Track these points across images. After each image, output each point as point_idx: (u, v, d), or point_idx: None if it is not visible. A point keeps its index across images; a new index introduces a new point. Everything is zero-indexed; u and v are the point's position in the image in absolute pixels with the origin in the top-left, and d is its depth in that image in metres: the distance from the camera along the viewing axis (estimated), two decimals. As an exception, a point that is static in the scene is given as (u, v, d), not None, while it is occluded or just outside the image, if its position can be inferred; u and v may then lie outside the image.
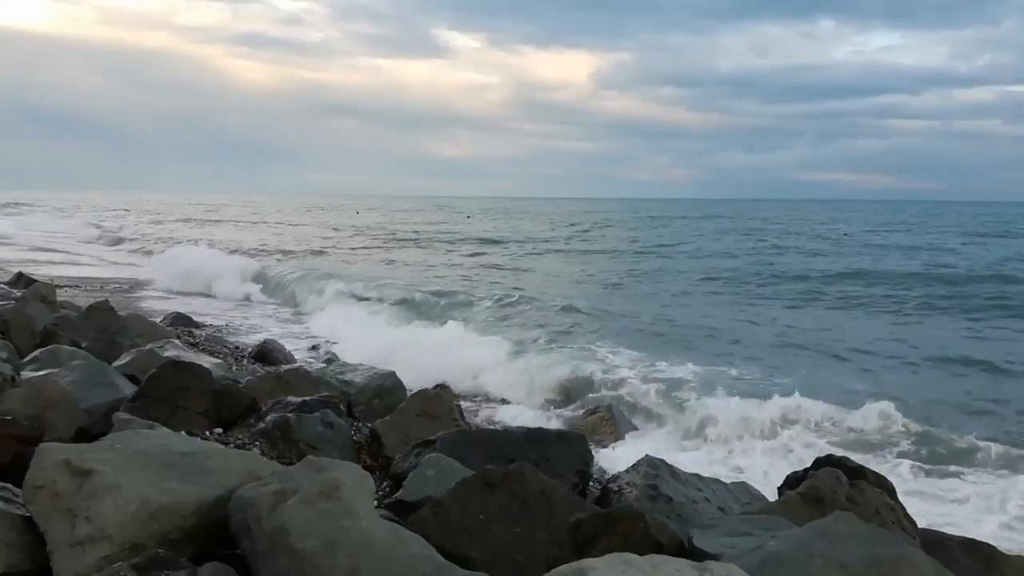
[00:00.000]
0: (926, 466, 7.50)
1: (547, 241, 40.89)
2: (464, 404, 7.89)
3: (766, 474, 6.93)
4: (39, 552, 2.88)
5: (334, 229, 48.87)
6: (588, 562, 2.40)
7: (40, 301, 9.09)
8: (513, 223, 59.96)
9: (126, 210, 67.07)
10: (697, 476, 5.03)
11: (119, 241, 34.98)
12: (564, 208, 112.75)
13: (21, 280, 13.43)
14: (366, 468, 5.20)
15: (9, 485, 3.22)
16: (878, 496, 4.16)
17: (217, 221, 54.62)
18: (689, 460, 6.82)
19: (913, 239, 42.44)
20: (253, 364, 9.84)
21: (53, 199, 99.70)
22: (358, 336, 12.67)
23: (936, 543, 3.95)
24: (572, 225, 59.12)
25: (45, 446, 3.08)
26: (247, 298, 18.47)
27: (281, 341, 11.66)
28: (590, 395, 9.85)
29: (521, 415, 9.08)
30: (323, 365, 8.93)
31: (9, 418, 3.87)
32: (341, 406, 6.24)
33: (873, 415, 8.54)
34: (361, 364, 8.23)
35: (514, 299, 17.59)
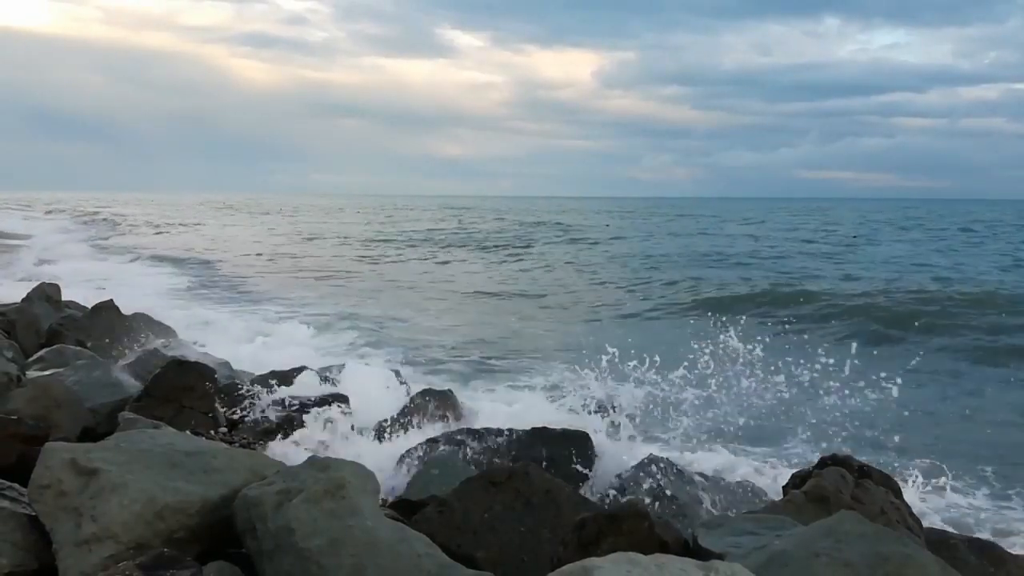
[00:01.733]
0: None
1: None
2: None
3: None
4: (45, 551, 2.88)
5: (345, 233, 43.88)
6: (593, 561, 2.39)
7: (45, 301, 9.11)
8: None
9: (88, 212, 62.19)
10: (702, 475, 5.03)
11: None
12: (568, 207, 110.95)
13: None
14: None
15: (15, 484, 3.23)
16: (883, 495, 4.15)
17: (198, 224, 50.20)
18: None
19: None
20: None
21: (53, 199, 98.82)
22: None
23: (942, 543, 3.94)
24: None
25: (51, 445, 3.09)
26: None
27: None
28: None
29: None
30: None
31: (15, 418, 3.88)
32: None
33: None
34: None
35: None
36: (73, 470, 2.93)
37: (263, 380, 6.81)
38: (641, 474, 4.80)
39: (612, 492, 4.86)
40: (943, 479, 6.99)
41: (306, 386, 6.62)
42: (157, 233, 41.46)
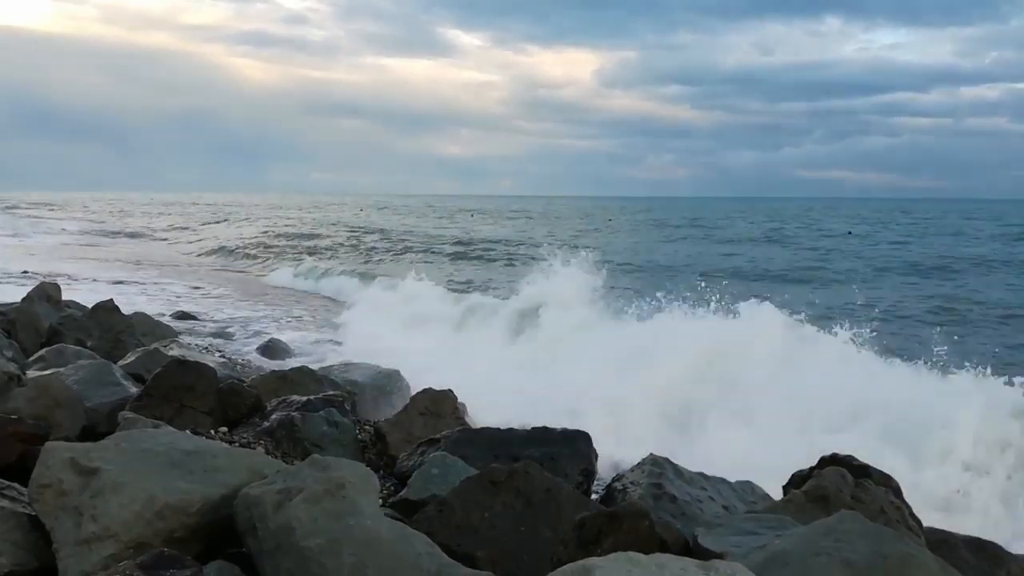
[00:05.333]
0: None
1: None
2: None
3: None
4: (45, 551, 2.89)
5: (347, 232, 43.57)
6: (593, 561, 2.39)
7: (46, 300, 9.11)
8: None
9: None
10: (702, 475, 5.03)
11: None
12: (572, 207, 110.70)
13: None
14: (370, 467, 5.21)
15: (15, 484, 3.23)
16: (883, 495, 4.15)
17: (182, 228, 48.97)
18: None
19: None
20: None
21: (52, 199, 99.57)
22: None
23: (942, 542, 3.95)
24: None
25: (51, 445, 3.09)
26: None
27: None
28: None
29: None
30: (328, 364, 8.94)
31: (15, 417, 3.88)
32: (345, 405, 6.25)
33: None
34: (365, 363, 8.23)
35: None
36: (73, 469, 2.93)
37: (263, 380, 6.82)
38: (641, 473, 4.80)
39: (612, 491, 4.86)
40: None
41: (306, 386, 6.62)
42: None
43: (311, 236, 39.29)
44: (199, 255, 31.64)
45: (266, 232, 40.72)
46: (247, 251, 31.70)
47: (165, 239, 39.42)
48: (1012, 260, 29.20)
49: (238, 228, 44.85)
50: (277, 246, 33.59)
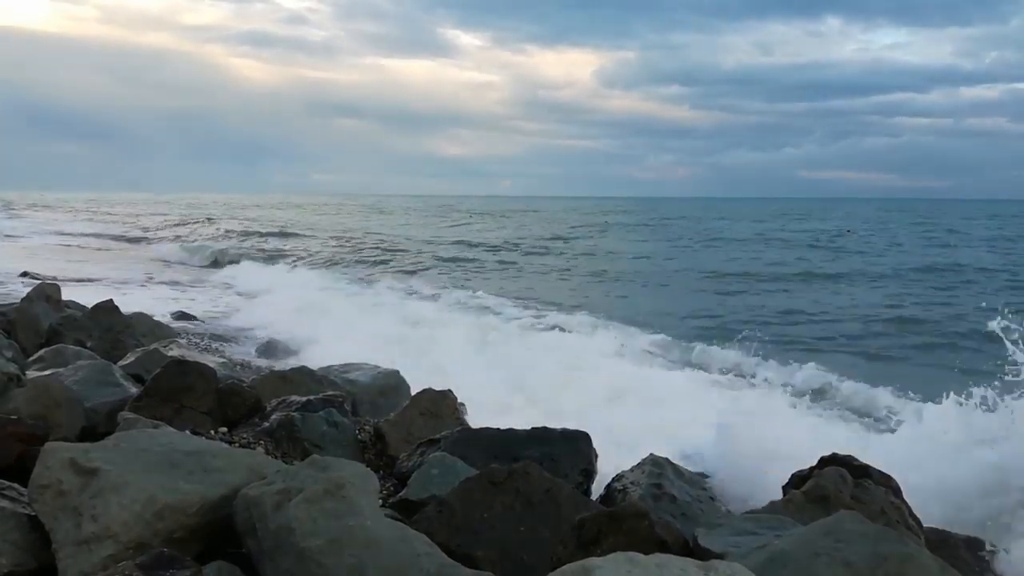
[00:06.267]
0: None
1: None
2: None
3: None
4: (44, 551, 2.88)
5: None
6: (592, 561, 2.39)
7: (45, 300, 9.10)
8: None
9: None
10: (702, 475, 5.03)
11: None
12: (570, 207, 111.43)
13: (27, 278, 13.46)
14: (370, 467, 5.20)
15: (15, 484, 3.23)
16: (883, 495, 4.15)
17: (175, 225, 49.87)
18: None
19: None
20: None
21: (51, 200, 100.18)
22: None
23: (941, 542, 3.96)
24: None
25: (50, 445, 3.09)
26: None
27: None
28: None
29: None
30: (328, 364, 8.93)
31: (14, 417, 3.88)
32: (345, 405, 6.24)
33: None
34: (365, 363, 8.23)
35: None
36: (73, 470, 2.93)
37: (263, 380, 6.81)
38: (641, 474, 4.80)
39: (612, 492, 4.86)
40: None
41: (306, 386, 6.61)
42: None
43: (290, 236, 41.29)
44: (180, 254, 32.64)
45: (252, 232, 42.72)
46: (222, 253, 32.51)
47: (162, 239, 40.18)
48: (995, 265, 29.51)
49: (226, 227, 46.50)
50: (243, 247, 34.74)
